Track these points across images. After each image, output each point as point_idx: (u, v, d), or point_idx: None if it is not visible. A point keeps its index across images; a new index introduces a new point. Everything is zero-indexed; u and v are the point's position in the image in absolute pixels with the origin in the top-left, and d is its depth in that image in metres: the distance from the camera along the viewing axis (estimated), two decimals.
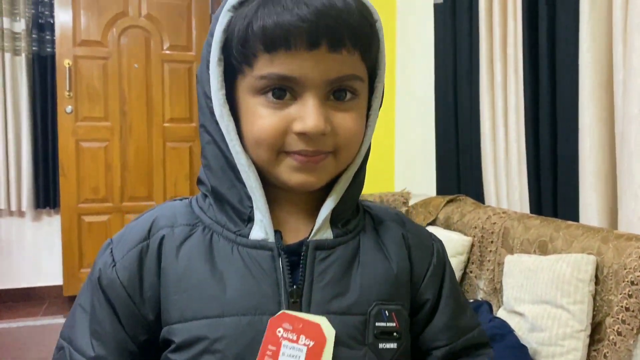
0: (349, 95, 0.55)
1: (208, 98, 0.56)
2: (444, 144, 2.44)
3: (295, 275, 0.56)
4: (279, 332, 0.53)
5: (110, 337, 0.56)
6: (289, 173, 0.55)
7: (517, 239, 1.79)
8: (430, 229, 2.19)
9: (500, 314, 1.69)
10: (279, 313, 0.53)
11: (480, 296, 1.95)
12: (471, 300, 1.85)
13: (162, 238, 0.58)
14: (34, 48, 3.36)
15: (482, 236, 1.97)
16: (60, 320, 3.21)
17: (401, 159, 3.01)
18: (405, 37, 2.95)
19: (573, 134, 1.72)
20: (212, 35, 0.55)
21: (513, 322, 1.60)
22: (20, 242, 3.50)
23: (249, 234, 0.57)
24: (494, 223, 1.93)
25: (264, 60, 0.52)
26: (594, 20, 1.62)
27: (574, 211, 1.74)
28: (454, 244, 2.01)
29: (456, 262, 2.00)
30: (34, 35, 3.35)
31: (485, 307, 1.76)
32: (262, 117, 0.53)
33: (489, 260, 1.93)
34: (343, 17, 0.50)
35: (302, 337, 0.52)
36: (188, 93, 3.62)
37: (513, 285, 1.65)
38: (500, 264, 1.83)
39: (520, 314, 1.59)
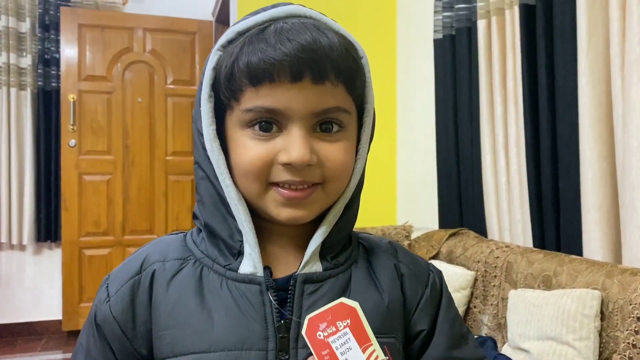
0: (335, 128, 0.56)
1: (200, 134, 0.57)
2: (445, 177, 2.44)
3: (284, 309, 0.56)
4: (319, 335, 0.53)
5: None
6: (277, 208, 0.55)
7: (520, 273, 1.77)
8: (433, 263, 2.17)
9: (505, 350, 1.66)
10: (306, 320, 0.53)
11: (484, 332, 1.92)
12: (475, 336, 1.81)
13: (154, 272, 0.58)
14: (39, 83, 3.40)
15: (485, 270, 1.95)
16: (58, 355, 3.16)
17: (403, 192, 3.01)
18: (406, 72, 2.98)
19: (574, 167, 1.72)
20: (204, 74, 0.57)
21: (518, 358, 1.56)
22: (21, 275, 3.48)
23: (238, 268, 0.56)
24: (497, 257, 1.91)
25: (249, 93, 0.53)
26: (591, 54, 1.64)
27: (577, 245, 1.73)
28: (457, 279, 1.99)
29: (459, 297, 1.97)
30: (39, 71, 3.40)
31: (489, 344, 1.73)
32: (249, 148, 0.54)
33: (492, 295, 1.90)
34: (326, 51, 0.52)
35: (338, 323, 0.53)
36: (191, 127, 3.64)
37: (517, 321, 1.62)
38: (504, 299, 1.81)
39: (526, 351, 1.56)
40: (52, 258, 3.51)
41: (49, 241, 3.46)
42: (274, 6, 0.56)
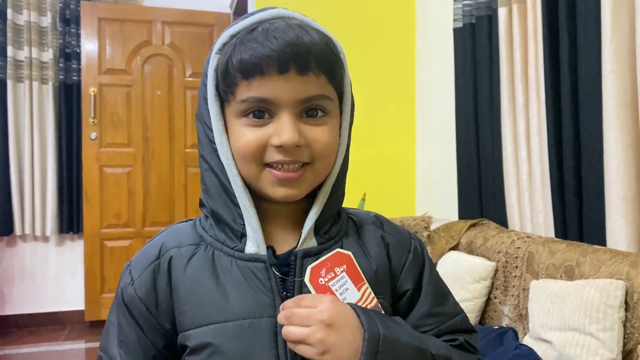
0: (320, 113, 0.63)
1: (209, 129, 0.64)
2: (465, 167, 2.42)
3: (287, 281, 0.64)
4: (321, 281, 0.62)
5: (135, 344, 0.65)
6: (272, 187, 0.63)
7: (542, 264, 1.75)
8: (453, 254, 2.16)
9: (527, 341, 1.65)
10: (309, 269, 0.62)
11: (505, 322, 1.90)
12: (496, 327, 1.80)
13: (171, 258, 0.66)
14: (60, 77, 3.45)
15: (506, 261, 1.93)
16: (81, 345, 3.22)
17: (422, 183, 2.99)
18: (425, 62, 2.95)
19: (597, 157, 1.69)
20: (205, 76, 0.64)
21: (540, 349, 1.55)
22: (44, 267, 3.54)
23: (244, 249, 0.64)
24: (518, 248, 1.89)
25: (243, 86, 0.60)
26: (616, 42, 1.60)
27: (600, 235, 1.70)
28: (478, 269, 1.97)
29: (480, 288, 1.96)
30: (60, 65, 3.44)
31: (510, 334, 1.71)
32: (245, 134, 0.61)
33: (513, 286, 1.88)
34: (308, 45, 0.59)
35: (336, 269, 0.63)
36: None
37: (539, 312, 1.61)
38: (526, 290, 1.79)
39: (548, 342, 1.54)
40: (75, 249, 3.57)
41: (71, 233, 3.52)
42: (260, 10, 0.63)
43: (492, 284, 1.98)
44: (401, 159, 3.02)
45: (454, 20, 2.46)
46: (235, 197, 0.63)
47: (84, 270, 3.48)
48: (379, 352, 0.57)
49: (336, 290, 0.62)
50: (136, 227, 3.54)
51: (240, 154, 0.62)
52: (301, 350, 0.58)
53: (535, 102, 1.97)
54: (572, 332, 1.48)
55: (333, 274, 0.63)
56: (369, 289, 0.64)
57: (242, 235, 0.64)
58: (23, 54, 3.35)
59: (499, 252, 1.97)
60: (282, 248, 0.66)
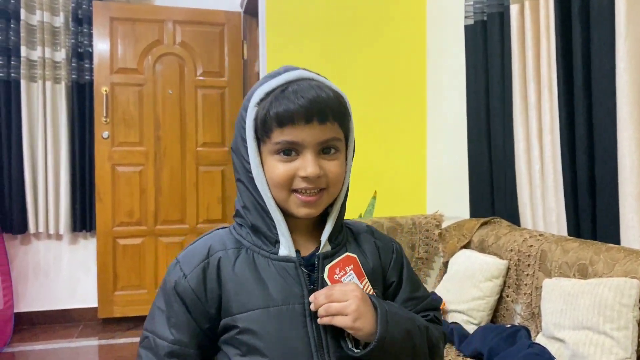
0: (333, 151, 0.82)
1: (246, 162, 0.82)
2: (477, 165, 2.41)
3: (312, 277, 0.83)
4: (335, 277, 0.82)
5: (184, 325, 0.81)
6: (297, 208, 0.81)
7: (555, 262, 1.74)
8: (465, 252, 2.16)
9: (539, 339, 1.64)
10: (327, 269, 0.82)
11: (517, 321, 1.90)
12: (508, 325, 1.79)
13: (220, 258, 0.83)
14: (73, 76, 3.47)
15: (518, 259, 1.92)
16: (94, 342, 3.25)
17: (433, 182, 2.99)
18: (436, 59, 2.95)
19: (611, 155, 1.68)
20: (243, 120, 0.82)
21: (553, 348, 1.55)
22: (57, 264, 3.58)
23: (278, 252, 0.83)
24: (531, 246, 1.88)
25: (277, 132, 0.78)
26: (630, 39, 1.59)
27: (614, 234, 1.69)
28: (489, 268, 1.97)
29: (492, 286, 1.96)
30: (73, 64, 3.47)
31: (523, 333, 1.71)
32: (278, 168, 0.80)
33: (526, 284, 1.87)
34: (326, 102, 0.78)
35: (346, 268, 0.84)
36: (220, 118, 3.68)
37: (552, 311, 1.60)
38: (538, 288, 1.78)
39: (561, 340, 1.54)
40: (88, 247, 3.60)
41: (84, 231, 3.55)
42: (286, 70, 0.82)
43: (504, 282, 1.97)
44: (412, 157, 3.01)
45: (465, 17, 2.45)
46: (270, 214, 0.82)
47: (96, 268, 3.51)
48: (387, 321, 0.78)
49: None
50: (148, 225, 3.57)
51: (274, 182, 0.80)
52: (338, 320, 0.77)
53: (548, 99, 1.96)
54: (585, 331, 1.47)
55: (344, 272, 0.83)
56: (368, 282, 0.85)
57: (276, 242, 0.83)
58: (36, 54, 3.38)
59: (511, 250, 1.97)
60: (304, 252, 0.85)
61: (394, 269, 0.93)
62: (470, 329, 1.94)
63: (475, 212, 2.44)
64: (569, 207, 1.89)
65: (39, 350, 3.11)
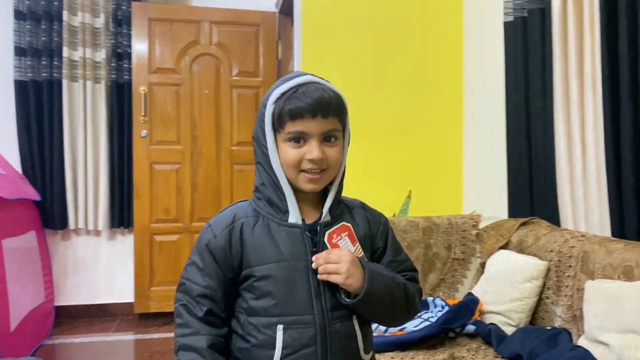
0: (333, 139, 1.01)
1: (265, 147, 1.02)
2: (516, 165, 2.36)
3: (314, 240, 1.02)
4: (333, 241, 1.02)
5: (214, 274, 1.02)
6: (304, 184, 1.01)
7: (598, 263, 1.69)
8: (503, 252, 2.12)
9: (582, 342, 1.59)
10: (327, 234, 1.02)
11: (557, 323, 1.85)
12: (548, 327, 1.75)
13: (242, 224, 1.04)
14: (112, 76, 3.55)
15: (559, 260, 1.88)
16: (130, 336, 3.31)
17: (470, 181, 2.94)
18: (473, 56, 2.90)
19: None
20: (263, 115, 1.02)
21: (597, 352, 1.50)
22: (96, 260, 3.67)
23: (287, 220, 1.03)
24: (572, 247, 1.83)
25: (290, 124, 0.99)
26: None
27: None
28: (529, 268, 1.93)
29: (531, 287, 1.91)
30: (112, 64, 3.55)
31: (564, 335, 1.66)
32: (290, 152, 1.00)
33: (567, 286, 1.83)
34: (328, 101, 0.98)
35: (342, 234, 1.03)
36: (255, 117, 3.70)
37: (595, 313, 1.55)
38: (580, 290, 1.73)
39: (605, 344, 1.49)
40: (125, 243, 3.68)
41: (122, 227, 3.62)
42: (297, 76, 1.02)
43: (544, 283, 1.92)
44: (448, 156, 2.97)
45: (505, 14, 2.41)
46: (282, 189, 1.02)
47: (133, 263, 3.58)
48: (372, 278, 0.99)
49: (342, 246, 1.03)
50: (184, 222, 3.62)
51: (287, 163, 1.01)
52: (333, 277, 0.98)
53: (591, 97, 1.91)
54: (631, 334, 1.43)
55: (340, 237, 1.03)
56: (360, 246, 1.05)
57: (286, 212, 1.03)
58: (77, 54, 3.47)
59: (552, 251, 1.92)
60: (308, 220, 1.05)
61: (381, 237, 1.12)
62: (508, 330, 1.90)
63: (513, 212, 2.39)
64: (613, 208, 1.83)
65: (78, 343, 3.19)
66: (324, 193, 1.06)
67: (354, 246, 1.03)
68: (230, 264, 1.02)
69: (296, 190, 1.03)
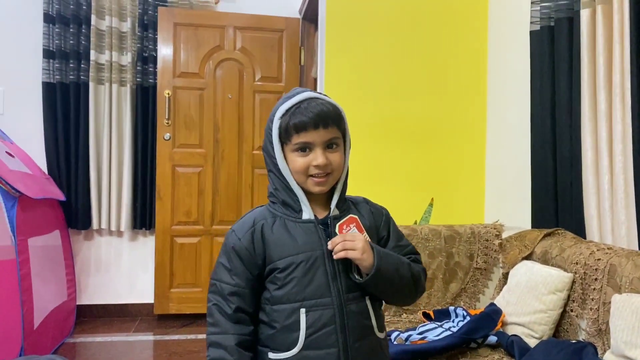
0: (334, 146, 1.14)
1: (273, 157, 1.15)
2: (540, 176, 2.34)
3: (326, 231, 1.15)
4: (344, 231, 1.14)
5: (241, 273, 1.14)
6: (313, 186, 1.14)
7: (625, 277, 1.67)
8: (527, 263, 2.10)
9: (608, 357, 1.57)
10: (337, 226, 1.15)
11: (582, 337, 1.82)
12: (573, 341, 1.73)
13: (262, 225, 1.16)
14: (137, 79, 3.61)
15: (584, 273, 1.85)
16: (150, 337, 3.34)
17: (492, 190, 2.92)
18: (498, 65, 2.89)
19: None
20: (270, 129, 1.15)
21: None
22: (118, 260, 3.71)
23: (301, 217, 1.15)
24: (599, 259, 1.81)
25: (295, 137, 1.12)
26: None
27: None
28: (553, 280, 1.90)
29: (555, 300, 1.89)
30: (138, 68, 3.60)
31: (590, 349, 1.64)
32: (298, 161, 1.13)
33: (592, 299, 1.80)
34: (327, 114, 1.12)
35: (350, 225, 1.15)
36: None
37: (623, 328, 1.53)
38: (606, 304, 1.71)
39: None
40: (147, 245, 3.72)
41: (143, 229, 3.67)
42: (298, 93, 1.15)
43: (569, 296, 1.90)
44: (471, 164, 2.96)
45: (531, 22, 2.39)
46: (294, 192, 1.15)
47: (154, 265, 3.62)
48: (381, 257, 1.12)
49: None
50: (205, 224, 3.65)
51: (296, 171, 1.13)
52: (351, 253, 1.09)
53: (620, 108, 1.88)
54: None
55: (349, 228, 1.15)
56: (366, 234, 1.17)
57: (300, 210, 1.15)
58: (104, 58, 3.53)
59: (577, 263, 1.89)
60: (319, 216, 1.17)
61: (384, 227, 1.25)
62: (531, 342, 1.88)
63: (537, 222, 2.36)
64: None
65: (98, 342, 3.23)
66: (330, 192, 1.19)
67: (362, 234, 1.16)
68: (255, 262, 1.14)
69: (306, 192, 1.16)
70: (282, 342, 1.10)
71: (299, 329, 1.09)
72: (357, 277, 1.12)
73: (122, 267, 3.71)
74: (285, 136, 1.13)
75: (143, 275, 3.71)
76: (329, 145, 1.13)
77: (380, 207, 1.30)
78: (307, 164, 1.12)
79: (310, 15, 3.60)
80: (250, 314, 1.14)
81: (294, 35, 3.76)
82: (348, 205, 1.22)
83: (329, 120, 1.11)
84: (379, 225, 1.25)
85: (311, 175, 1.13)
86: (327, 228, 1.15)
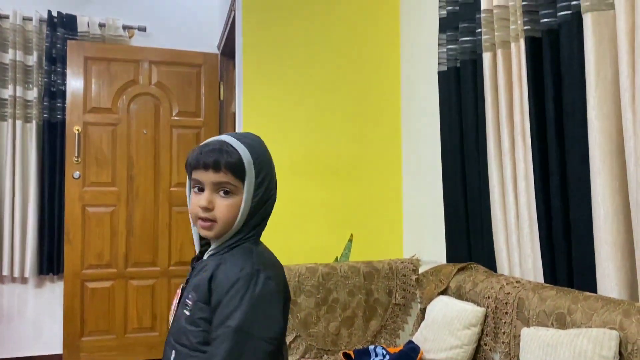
0: (229, 194, 1.08)
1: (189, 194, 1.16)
2: (453, 211, 2.41)
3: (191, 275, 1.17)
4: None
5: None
6: (200, 229, 1.11)
7: (532, 310, 1.72)
8: (442, 298, 2.13)
9: None
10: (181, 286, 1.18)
11: None
12: None
13: None
14: (44, 115, 3.42)
15: (496, 307, 1.90)
16: None
17: (410, 225, 2.97)
18: (410, 104, 2.98)
19: (585, 201, 1.69)
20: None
21: None
22: (22, 309, 3.44)
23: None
24: (508, 293, 1.86)
25: (193, 173, 1.11)
26: (600, 88, 1.62)
27: (591, 281, 1.68)
28: (467, 315, 1.94)
29: (470, 334, 1.92)
30: (45, 103, 3.42)
31: None
32: (192, 199, 1.13)
33: (504, 333, 1.84)
34: (220, 157, 1.07)
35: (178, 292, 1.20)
36: None
37: None
38: (516, 337, 1.75)
39: None
40: (54, 291, 3.49)
41: (51, 274, 3.43)
42: (219, 136, 1.13)
43: (482, 330, 1.94)
44: (388, 199, 3.00)
45: (439, 63, 2.48)
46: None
47: (63, 312, 3.38)
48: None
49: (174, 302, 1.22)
50: (118, 267, 3.46)
51: (189, 210, 1.15)
52: None
53: (522, 146, 1.98)
54: None
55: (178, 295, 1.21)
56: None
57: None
58: (7, 93, 3.33)
59: (489, 297, 1.94)
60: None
61: (218, 298, 1.08)
62: None
63: (451, 255, 2.42)
64: (545, 254, 1.88)
65: None
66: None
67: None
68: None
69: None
70: None
71: None
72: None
73: (27, 316, 3.44)
74: (188, 173, 1.15)
75: (51, 324, 3.46)
76: (224, 191, 1.07)
77: (239, 274, 1.04)
78: (195, 204, 1.09)
79: (229, 51, 3.57)
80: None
81: (212, 70, 3.71)
82: (225, 258, 1.08)
83: (219, 164, 1.06)
84: (220, 295, 1.03)
85: (200, 218, 1.09)
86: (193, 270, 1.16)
